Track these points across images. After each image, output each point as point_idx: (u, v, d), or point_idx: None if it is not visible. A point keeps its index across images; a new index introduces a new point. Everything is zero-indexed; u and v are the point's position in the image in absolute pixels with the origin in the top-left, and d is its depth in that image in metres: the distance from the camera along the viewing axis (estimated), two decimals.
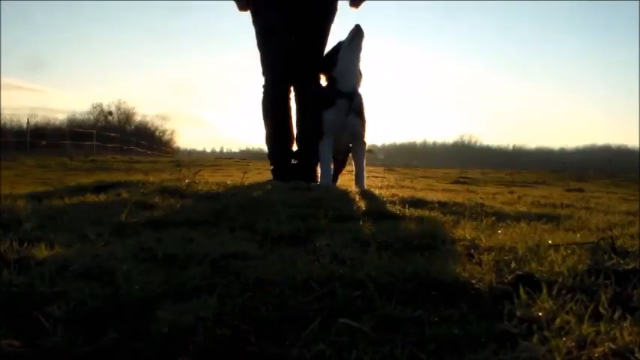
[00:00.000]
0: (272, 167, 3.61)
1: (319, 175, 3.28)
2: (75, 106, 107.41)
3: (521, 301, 0.93)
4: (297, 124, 3.52)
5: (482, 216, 2.00)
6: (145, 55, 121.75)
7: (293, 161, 3.55)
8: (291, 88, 3.49)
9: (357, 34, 3.13)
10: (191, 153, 43.17)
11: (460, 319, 0.87)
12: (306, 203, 2.12)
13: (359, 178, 3.29)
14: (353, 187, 3.20)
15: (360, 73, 3.23)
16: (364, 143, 3.31)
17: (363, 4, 3.42)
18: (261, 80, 3.48)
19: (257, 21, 3.43)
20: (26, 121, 25.73)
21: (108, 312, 0.88)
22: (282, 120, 3.49)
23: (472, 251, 1.34)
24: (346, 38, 3.20)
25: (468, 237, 1.51)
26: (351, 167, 3.55)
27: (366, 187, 3.30)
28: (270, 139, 3.56)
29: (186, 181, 2.97)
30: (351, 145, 3.35)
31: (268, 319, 0.87)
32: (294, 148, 3.56)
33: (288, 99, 3.49)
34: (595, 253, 1.29)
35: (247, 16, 3.47)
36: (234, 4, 3.44)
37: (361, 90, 3.27)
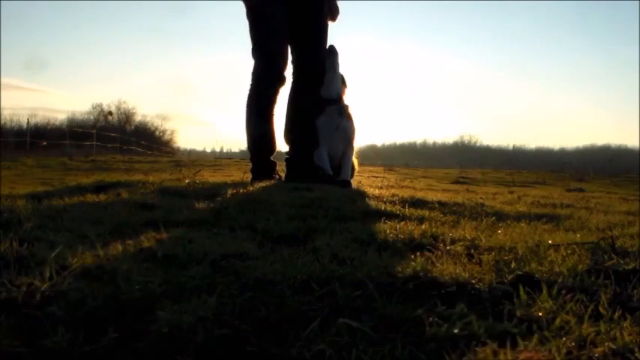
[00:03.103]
0: (252, 167, 3.43)
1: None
2: (75, 106, 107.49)
3: (521, 301, 0.93)
4: (286, 115, 3.51)
5: (482, 216, 2.00)
6: (145, 55, 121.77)
7: (286, 156, 3.57)
8: (282, 83, 3.40)
9: (331, 53, 3.51)
10: (191, 153, 43.16)
11: (460, 319, 0.87)
12: (306, 203, 2.12)
13: (344, 168, 3.42)
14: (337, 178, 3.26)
15: (345, 83, 3.57)
16: (352, 148, 3.55)
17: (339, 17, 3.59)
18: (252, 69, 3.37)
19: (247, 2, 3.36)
20: (26, 121, 25.81)
21: (108, 312, 0.88)
22: (267, 116, 3.38)
23: (472, 251, 1.34)
24: None
25: (468, 237, 1.50)
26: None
27: (353, 185, 3.35)
28: (252, 136, 3.39)
29: (187, 181, 2.97)
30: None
31: (268, 319, 0.87)
32: (279, 146, 3.53)
33: (276, 92, 3.37)
34: (595, 253, 1.29)
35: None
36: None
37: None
